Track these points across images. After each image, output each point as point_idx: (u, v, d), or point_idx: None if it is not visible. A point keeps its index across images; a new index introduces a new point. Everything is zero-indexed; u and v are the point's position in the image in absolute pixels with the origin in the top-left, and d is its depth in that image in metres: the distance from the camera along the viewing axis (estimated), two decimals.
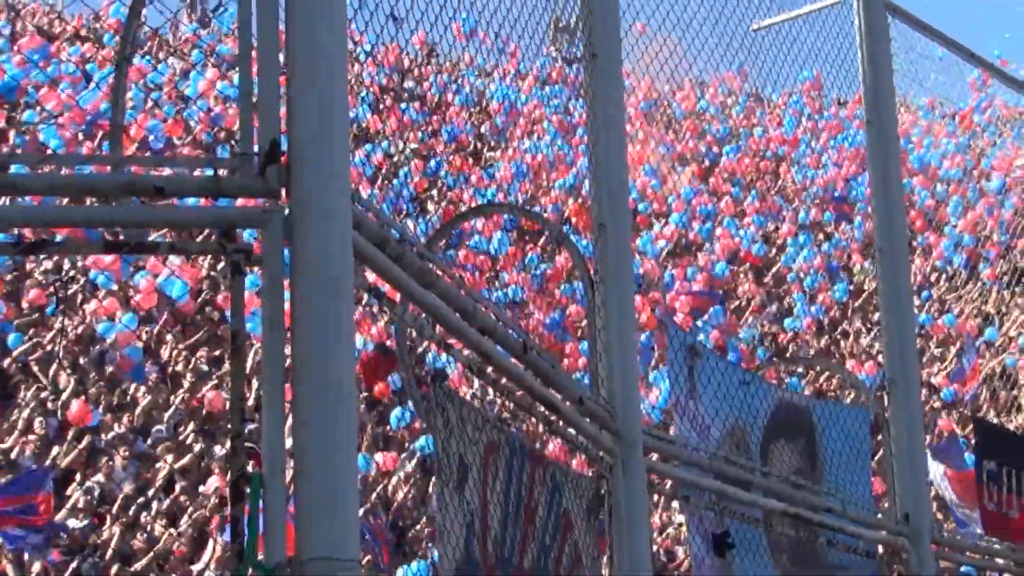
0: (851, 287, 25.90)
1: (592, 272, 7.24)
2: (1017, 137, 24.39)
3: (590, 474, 7.12)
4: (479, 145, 25.39)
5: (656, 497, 14.67)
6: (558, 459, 7.10)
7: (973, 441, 11.49)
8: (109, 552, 15.79)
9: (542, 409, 6.55)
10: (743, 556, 8.17)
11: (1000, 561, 11.05)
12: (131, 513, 16.46)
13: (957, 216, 27.83)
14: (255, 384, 13.94)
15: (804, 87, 25.26)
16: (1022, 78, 12.78)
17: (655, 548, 16.25)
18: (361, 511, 13.74)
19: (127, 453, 17.31)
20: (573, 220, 21.62)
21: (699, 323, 23.08)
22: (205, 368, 19.43)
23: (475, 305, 5.88)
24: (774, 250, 27.07)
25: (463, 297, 5.74)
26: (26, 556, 15.14)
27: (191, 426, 18.20)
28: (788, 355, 21.87)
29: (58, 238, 5.49)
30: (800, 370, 20.80)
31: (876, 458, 12.04)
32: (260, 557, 4.29)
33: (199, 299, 20.88)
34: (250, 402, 11.50)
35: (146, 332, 19.60)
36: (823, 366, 20.22)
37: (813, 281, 25.87)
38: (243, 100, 4.65)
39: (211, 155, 20.48)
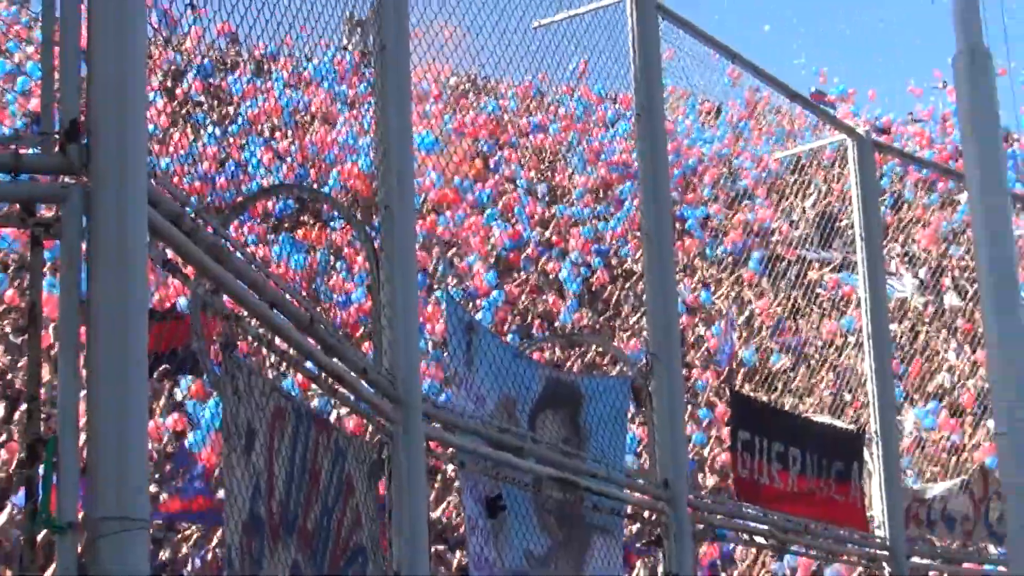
0: (622, 269, 26.30)
1: (377, 250, 7.35)
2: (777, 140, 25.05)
3: (372, 440, 7.23)
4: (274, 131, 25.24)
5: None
6: (343, 426, 7.20)
7: (728, 413, 11.85)
8: None
9: (328, 379, 6.65)
10: (513, 518, 8.36)
11: (752, 524, 11.38)
12: None
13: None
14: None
15: (581, 83, 25.61)
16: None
17: (438, 513, 16.40)
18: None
19: None
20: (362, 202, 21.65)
21: (482, 303, 23.30)
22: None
23: (265, 279, 5.94)
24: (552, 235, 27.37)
25: (254, 272, 5.80)
26: None
27: None
28: (562, 333, 22.17)
29: None
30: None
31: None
32: (53, 516, 4.33)
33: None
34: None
35: None
36: (592, 341, 20.55)
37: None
38: (45, 80, 4.69)
39: (14, 133, 20.05)
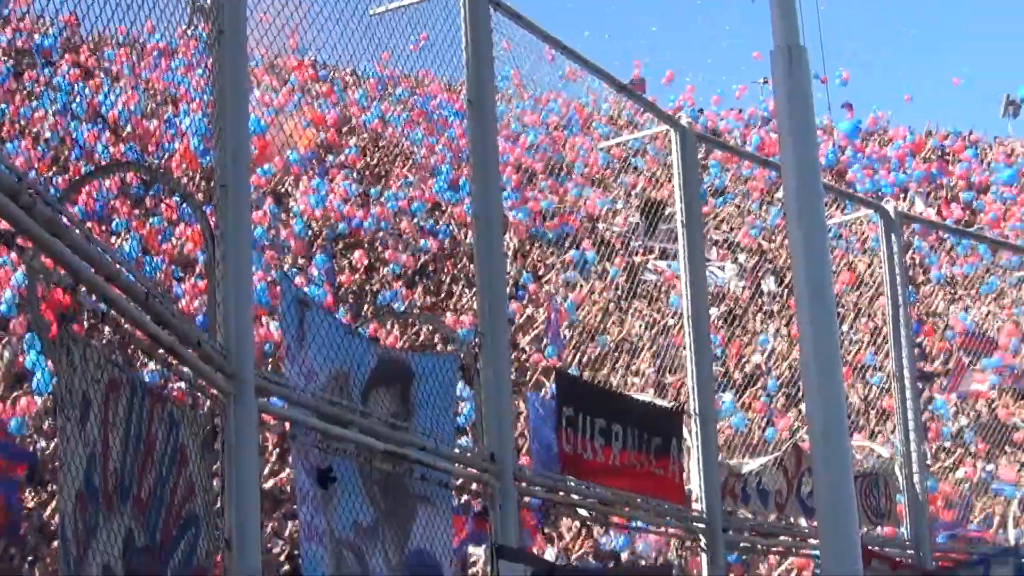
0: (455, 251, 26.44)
1: (213, 228, 7.41)
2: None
3: (205, 412, 7.29)
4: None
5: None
6: (178, 398, 7.24)
7: (553, 390, 12.05)
8: None
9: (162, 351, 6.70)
10: (342, 488, 8.47)
11: (575, 496, 11.59)
12: None
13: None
14: None
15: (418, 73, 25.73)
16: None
17: (272, 483, 16.42)
18: None
19: None
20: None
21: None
22: None
23: (102, 255, 5.98)
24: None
25: (90, 246, 5.84)
26: None
27: None
28: (392, 311, 22.26)
29: None
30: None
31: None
32: None
33: None
34: None
35: None
36: (422, 320, 20.67)
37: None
38: None
39: None
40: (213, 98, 7.61)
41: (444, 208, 27.64)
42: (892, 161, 40.58)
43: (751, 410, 22.07)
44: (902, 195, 36.45)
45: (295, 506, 9.86)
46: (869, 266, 18.60)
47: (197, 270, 20.53)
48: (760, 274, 26.13)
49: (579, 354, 22.09)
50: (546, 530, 18.07)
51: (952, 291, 29.14)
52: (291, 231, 24.94)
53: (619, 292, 22.59)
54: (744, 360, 23.72)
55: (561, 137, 25.88)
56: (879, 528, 15.28)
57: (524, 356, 22.57)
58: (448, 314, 23.68)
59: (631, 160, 21.97)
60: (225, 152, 7.49)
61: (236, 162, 7.51)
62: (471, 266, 23.35)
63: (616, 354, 21.80)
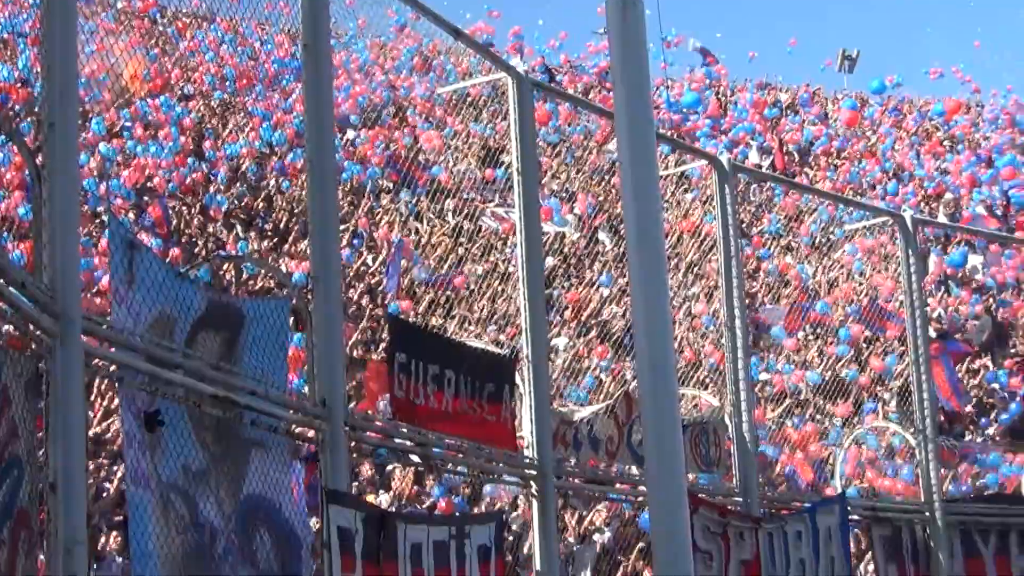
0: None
1: (40, 166, 7.35)
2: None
3: (30, 353, 7.24)
4: None
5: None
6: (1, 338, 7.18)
7: (388, 336, 12.13)
8: None
9: None
10: (170, 433, 8.47)
11: (408, 443, 11.69)
12: None
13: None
14: None
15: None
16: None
17: (99, 429, 16.30)
18: None
19: None
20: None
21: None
22: None
23: None
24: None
25: None
26: None
27: None
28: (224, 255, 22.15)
29: None
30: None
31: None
32: None
33: None
34: None
35: None
36: (253, 264, 20.59)
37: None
38: None
39: None
40: (42, 35, 7.54)
41: (278, 153, 27.49)
42: (737, 113, 41.29)
43: (589, 357, 22.36)
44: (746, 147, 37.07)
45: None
46: (703, 217, 18.98)
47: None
48: (598, 224, 26.44)
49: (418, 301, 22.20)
50: (378, 477, 18.21)
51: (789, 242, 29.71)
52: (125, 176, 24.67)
53: (459, 238, 22.72)
54: (581, 308, 24.00)
55: (404, 82, 25.90)
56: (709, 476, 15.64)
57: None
58: (284, 260, 23.62)
59: (475, 108, 22.07)
60: (53, 89, 7.43)
61: (64, 99, 7.46)
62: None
63: (454, 300, 21.93)
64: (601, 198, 27.51)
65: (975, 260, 31.42)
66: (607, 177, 26.94)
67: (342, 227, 22.16)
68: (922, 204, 35.51)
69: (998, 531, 17.53)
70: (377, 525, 9.96)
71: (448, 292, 22.14)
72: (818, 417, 22.92)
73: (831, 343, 24.60)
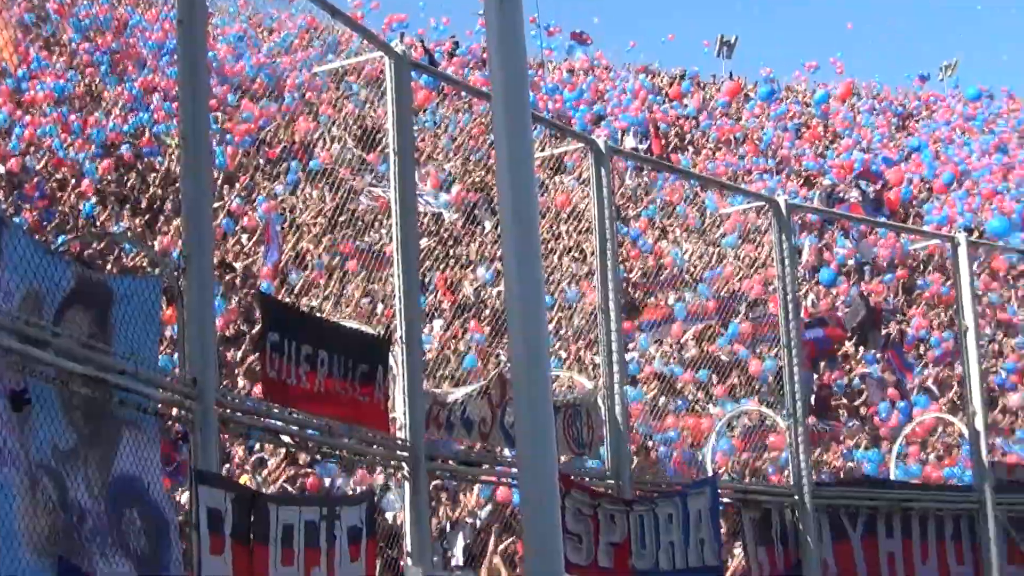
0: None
1: None
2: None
3: None
4: None
5: None
6: None
7: (260, 316, 12.11)
8: None
9: None
10: (38, 412, 8.43)
11: (279, 423, 11.69)
12: None
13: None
14: None
15: None
16: None
17: None
18: None
19: None
20: None
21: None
22: None
23: None
24: None
25: None
26: None
27: None
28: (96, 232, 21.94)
29: None
30: None
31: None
32: None
33: None
34: None
35: None
36: (124, 241, 20.40)
37: None
38: None
39: None
40: None
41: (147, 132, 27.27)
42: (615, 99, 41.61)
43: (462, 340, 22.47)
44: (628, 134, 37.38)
45: None
46: (583, 198, 19.17)
47: None
48: (476, 204, 26.54)
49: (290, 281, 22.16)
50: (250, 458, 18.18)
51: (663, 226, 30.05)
52: None
53: (333, 218, 22.69)
54: (454, 289, 24.10)
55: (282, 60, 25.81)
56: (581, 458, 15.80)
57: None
58: (160, 238, 23.45)
59: (353, 86, 22.07)
60: None
61: None
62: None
63: (328, 280, 21.91)
64: (479, 180, 27.64)
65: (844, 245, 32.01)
66: (488, 160, 27.10)
67: (216, 205, 22.07)
68: (799, 191, 36.10)
69: (866, 514, 17.92)
70: (247, 506, 9.98)
71: (323, 272, 22.12)
72: (694, 401, 23.24)
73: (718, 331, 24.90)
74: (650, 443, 20.75)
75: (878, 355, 27.81)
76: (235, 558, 9.73)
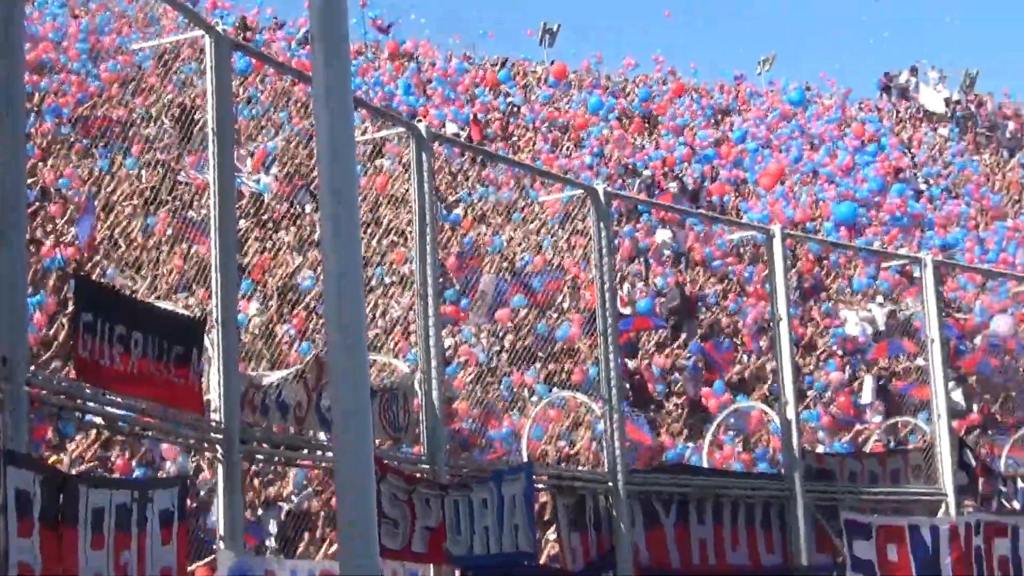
0: None
1: None
2: None
3: None
4: None
5: None
6: None
7: (73, 295, 11.96)
8: None
9: None
10: None
11: (92, 404, 11.53)
12: None
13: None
14: None
15: None
16: None
17: None
18: None
19: None
20: None
21: None
22: None
23: None
24: None
25: None
26: None
27: None
28: None
29: None
30: None
31: None
32: None
33: None
34: None
35: None
36: None
37: None
38: None
39: None
40: None
41: None
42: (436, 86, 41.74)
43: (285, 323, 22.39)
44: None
45: None
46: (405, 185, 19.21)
47: None
48: (297, 184, 26.42)
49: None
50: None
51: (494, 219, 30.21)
52: None
53: (148, 196, 22.44)
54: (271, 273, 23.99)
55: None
56: (396, 443, 15.86)
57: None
58: None
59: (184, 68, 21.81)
60: None
61: None
62: None
63: (143, 260, 21.66)
64: (299, 163, 27.53)
65: (663, 235, 32.49)
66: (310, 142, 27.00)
67: (30, 180, 21.67)
68: (620, 180, 36.57)
69: (678, 501, 18.25)
70: (57, 488, 9.86)
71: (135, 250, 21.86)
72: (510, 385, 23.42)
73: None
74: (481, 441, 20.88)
75: (691, 345, 28.25)
76: (43, 542, 9.60)
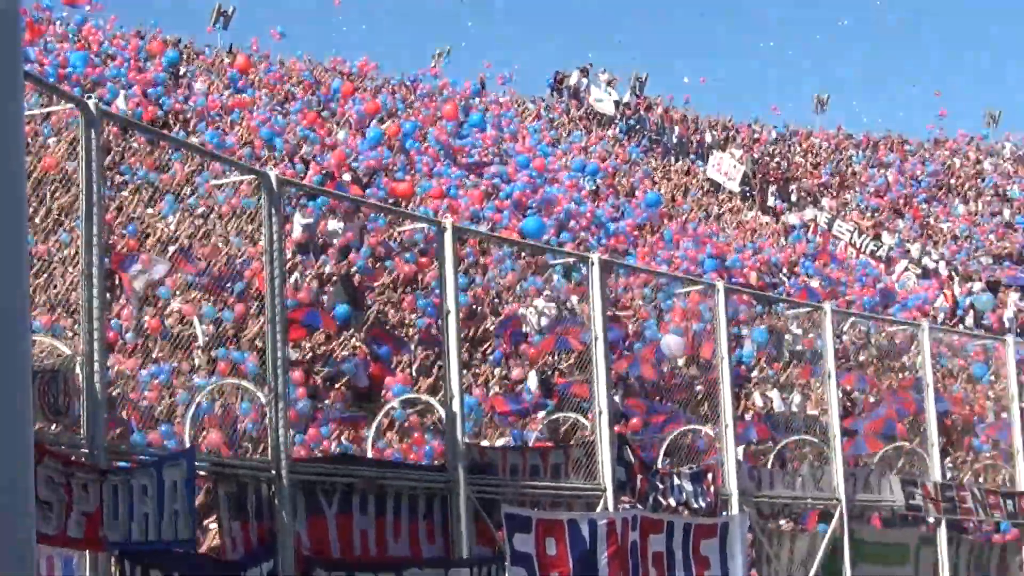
0: None
1: None
2: None
3: None
4: None
5: None
6: None
7: None
8: None
9: None
10: None
11: None
12: None
13: None
14: None
15: None
16: None
17: None
18: None
19: None
20: None
21: None
22: None
23: None
24: None
25: None
26: None
27: None
28: None
29: None
30: None
31: None
32: None
33: None
34: None
35: None
36: None
37: None
38: None
39: None
40: None
41: None
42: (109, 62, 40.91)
43: None
44: None
45: None
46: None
47: None
48: None
49: None
50: None
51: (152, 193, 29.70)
52: None
53: None
54: None
55: None
56: (56, 426, 15.50)
57: None
58: None
59: None
60: None
61: None
62: None
63: None
64: None
65: (334, 224, 32.51)
66: None
67: None
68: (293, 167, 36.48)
69: (342, 491, 18.31)
70: None
71: None
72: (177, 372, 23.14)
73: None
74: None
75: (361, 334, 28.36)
76: None
